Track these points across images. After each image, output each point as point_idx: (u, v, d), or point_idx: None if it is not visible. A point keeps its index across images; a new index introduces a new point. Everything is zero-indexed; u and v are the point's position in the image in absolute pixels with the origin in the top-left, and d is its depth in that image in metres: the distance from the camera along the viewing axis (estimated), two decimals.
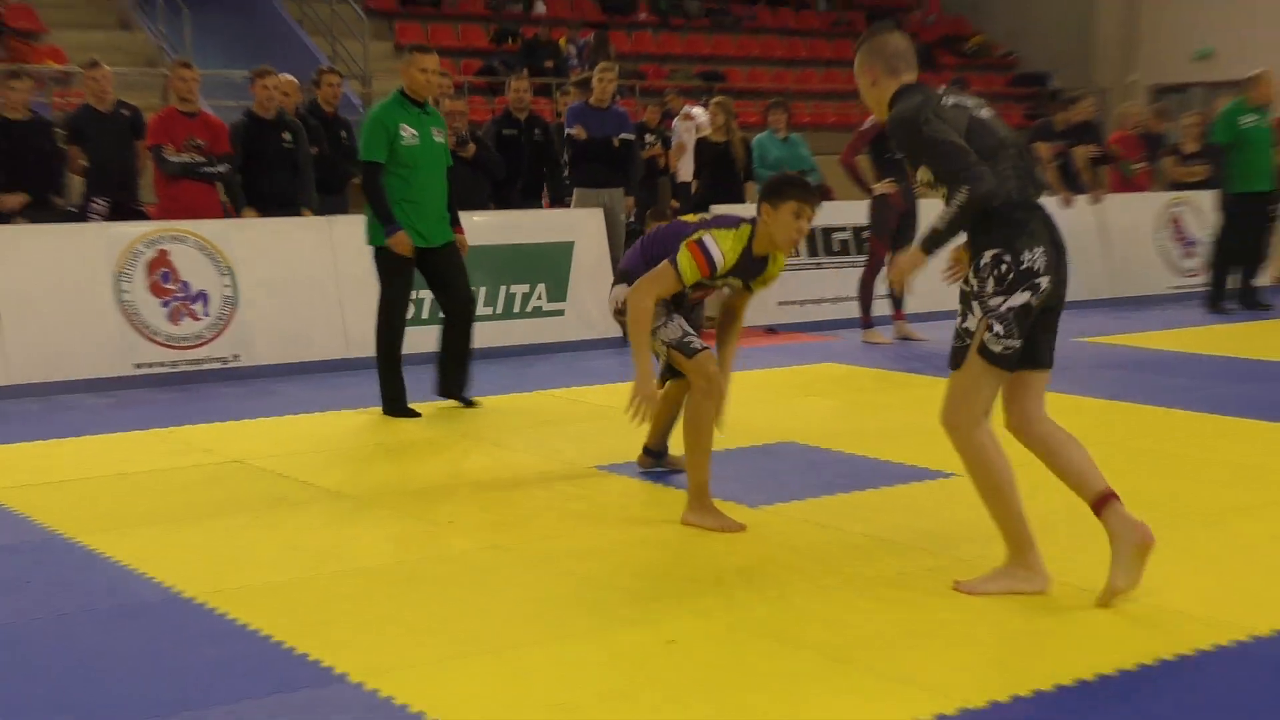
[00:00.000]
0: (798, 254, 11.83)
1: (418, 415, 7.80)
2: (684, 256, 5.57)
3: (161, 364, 9.18)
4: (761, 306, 11.55)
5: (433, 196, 7.85)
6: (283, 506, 5.91)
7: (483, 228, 10.51)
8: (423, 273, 7.98)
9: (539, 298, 10.45)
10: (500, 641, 4.21)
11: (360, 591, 4.71)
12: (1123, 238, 13.45)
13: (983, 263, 4.44)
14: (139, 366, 9.11)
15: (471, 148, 10.60)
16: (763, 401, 8.31)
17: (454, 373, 8.12)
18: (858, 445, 6.95)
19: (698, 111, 13.77)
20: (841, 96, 22.13)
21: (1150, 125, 15.01)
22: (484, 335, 10.18)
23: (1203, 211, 13.55)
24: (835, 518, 5.60)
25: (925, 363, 9.83)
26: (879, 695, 3.79)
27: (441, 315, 8.20)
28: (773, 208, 5.53)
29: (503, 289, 10.37)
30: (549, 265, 10.51)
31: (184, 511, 5.82)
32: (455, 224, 8.05)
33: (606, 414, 7.61)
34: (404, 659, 4.07)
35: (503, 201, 10.96)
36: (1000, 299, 4.40)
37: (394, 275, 7.87)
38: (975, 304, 4.47)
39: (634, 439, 7.15)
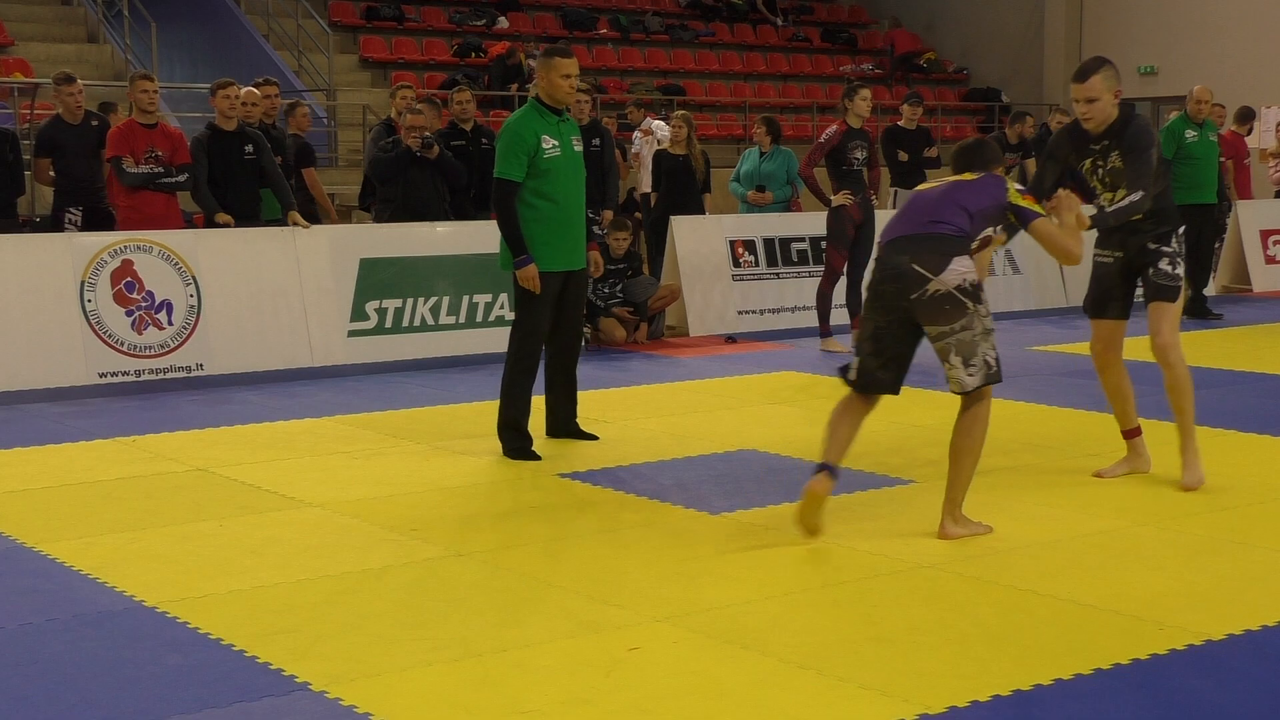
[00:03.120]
0: (755, 263, 11.82)
1: (539, 458, 6.86)
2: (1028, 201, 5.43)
3: (125, 373, 9.05)
4: (720, 315, 11.53)
5: (576, 212, 7.07)
6: (246, 515, 5.82)
7: (445, 238, 10.45)
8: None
9: (501, 307, 10.39)
10: (464, 649, 4.14)
11: (324, 599, 4.64)
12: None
13: (1178, 233, 6.19)
14: (103, 375, 8.98)
15: (436, 149, 10.54)
16: (723, 409, 8.28)
17: (565, 409, 7.32)
18: (817, 452, 6.87)
19: (657, 125, 13.74)
20: (798, 110, 22.17)
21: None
22: (447, 344, 10.14)
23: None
24: (790, 523, 5.53)
25: None
26: (841, 701, 3.75)
27: (545, 347, 7.22)
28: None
29: (465, 298, 10.30)
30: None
31: (147, 520, 5.73)
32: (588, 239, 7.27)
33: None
34: (367, 667, 4.00)
35: (459, 210, 10.90)
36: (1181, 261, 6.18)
37: (534, 299, 6.94)
38: (1177, 259, 6.17)
39: (597, 449, 7.09)
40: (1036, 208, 5.48)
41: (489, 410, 8.18)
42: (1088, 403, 8.07)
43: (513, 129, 6.99)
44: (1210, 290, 13.34)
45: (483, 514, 5.85)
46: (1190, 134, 12.20)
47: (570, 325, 7.23)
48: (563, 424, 7.36)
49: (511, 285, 7.20)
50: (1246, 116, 15.90)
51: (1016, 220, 5.47)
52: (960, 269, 5.24)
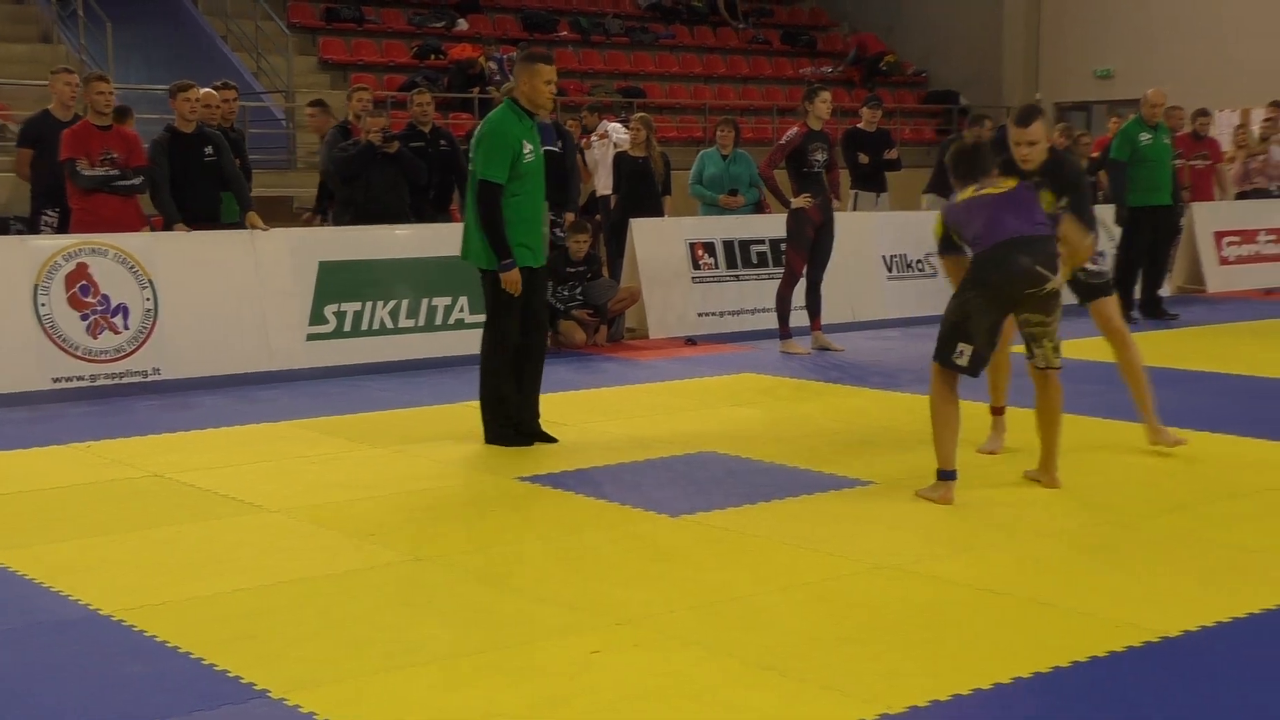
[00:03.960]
0: (715, 265, 11.83)
1: (529, 443, 7.15)
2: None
3: (80, 378, 8.96)
4: (680, 317, 11.53)
5: (541, 211, 7.26)
6: (204, 521, 5.78)
7: (405, 240, 10.41)
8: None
9: (461, 310, 10.36)
10: (427, 653, 4.13)
11: (284, 606, 4.61)
12: None
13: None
14: (57, 381, 8.89)
15: (395, 145, 10.49)
16: (683, 411, 8.28)
17: (528, 409, 7.37)
18: (778, 454, 6.93)
19: (613, 129, 13.72)
20: (757, 112, 22.20)
21: (1055, 142, 15.12)
22: (408, 348, 10.10)
23: (1108, 223, 13.69)
24: (757, 526, 5.57)
25: (843, 372, 9.84)
26: (803, 701, 3.75)
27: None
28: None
29: (425, 302, 10.26)
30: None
31: (103, 526, 5.67)
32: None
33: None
34: (327, 673, 3.98)
35: (418, 212, 10.86)
36: None
37: (508, 303, 7.11)
38: (1097, 257, 6.75)
39: (557, 452, 7.08)
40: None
41: (449, 414, 8.16)
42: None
43: (496, 132, 7.03)
44: (1166, 291, 13.44)
45: (444, 518, 5.83)
46: (1145, 137, 12.30)
47: (538, 322, 7.34)
48: (528, 423, 7.38)
49: (483, 286, 7.27)
50: (1205, 114, 16.03)
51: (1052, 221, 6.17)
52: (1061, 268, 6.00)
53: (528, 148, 7.05)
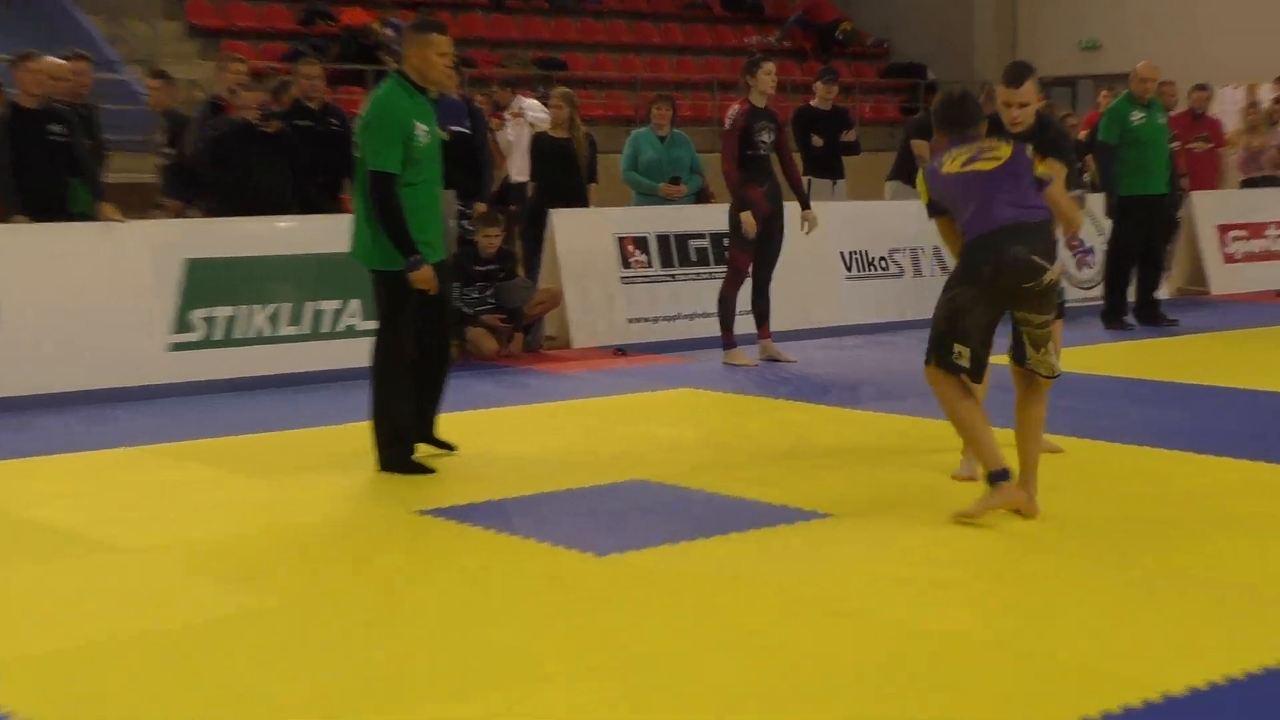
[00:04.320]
0: (648, 263, 11.83)
1: (431, 471, 7.17)
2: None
3: None
4: (607, 324, 11.52)
5: (439, 201, 7.32)
6: (45, 563, 5.69)
7: (286, 235, 10.34)
8: None
9: (352, 315, 10.29)
10: (311, 716, 4.06)
11: (139, 663, 4.54)
12: None
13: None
14: None
15: (276, 123, 10.40)
16: (609, 433, 8.25)
17: (429, 414, 7.49)
18: (719, 483, 6.92)
19: (529, 105, 13.71)
20: (696, 87, 22.28)
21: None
22: (288, 359, 10.01)
23: (1097, 215, 13.82)
24: (696, 566, 5.55)
25: (794, 387, 9.86)
26: None
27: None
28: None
29: (309, 305, 10.18)
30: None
31: None
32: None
33: (437, 452, 7.49)
34: None
35: (304, 201, 10.77)
36: None
37: (403, 306, 7.14)
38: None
39: (463, 480, 7.03)
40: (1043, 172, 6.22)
41: (337, 436, 8.10)
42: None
43: (385, 113, 7.05)
44: (1164, 293, 13.58)
45: (329, 559, 5.77)
46: (1136, 116, 12.42)
47: (439, 327, 7.38)
48: (424, 431, 7.45)
49: (374, 289, 7.27)
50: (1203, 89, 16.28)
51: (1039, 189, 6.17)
52: (1059, 255, 6.03)
53: (421, 129, 7.06)
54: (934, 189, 6.24)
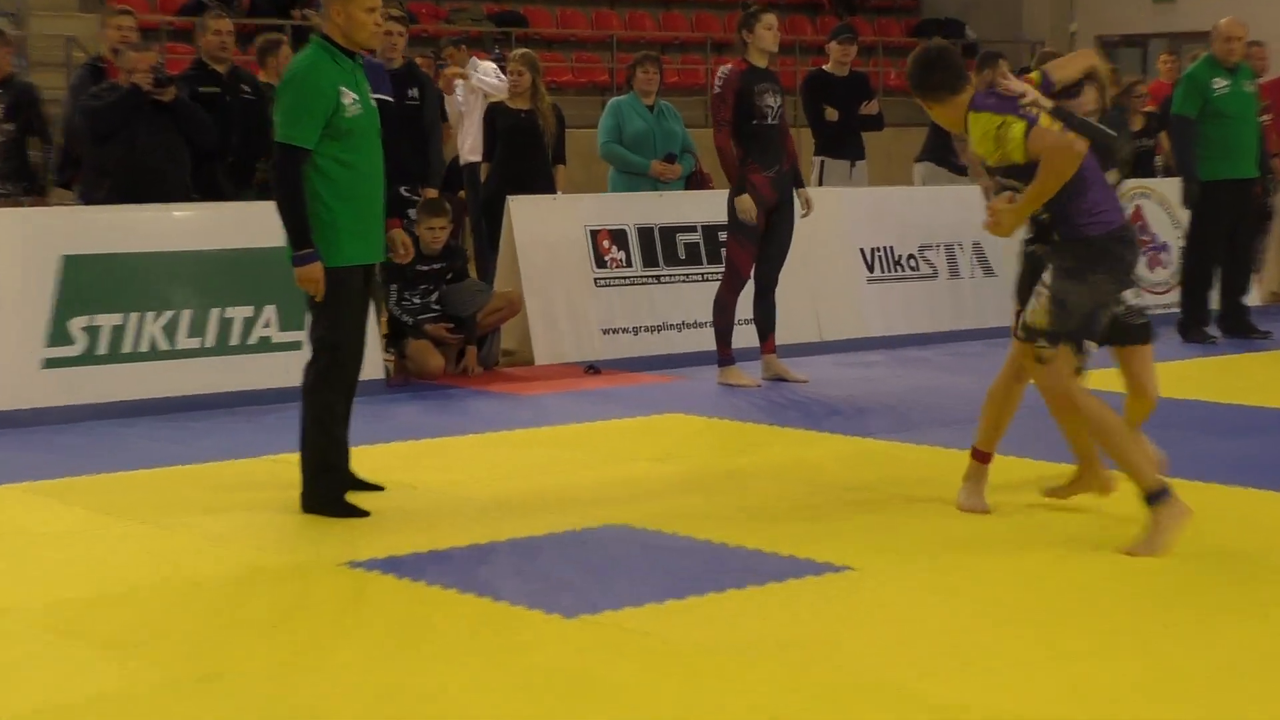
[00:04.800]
0: (628, 262, 11.82)
1: (365, 514, 7.19)
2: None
3: None
4: (578, 335, 11.51)
5: (378, 188, 7.39)
6: None
7: (186, 226, 10.31)
8: None
9: (267, 325, 10.27)
10: None
11: None
12: None
13: None
14: None
15: (172, 90, 10.37)
16: (583, 468, 8.25)
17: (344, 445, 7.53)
18: (713, 529, 6.91)
19: (486, 69, 13.70)
20: (684, 48, 22.37)
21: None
22: (188, 378, 9.98)
23: (1172, 205, 13.87)
24: (687, 630, 5.54)
25: (804, 412, 9.87)
26: None
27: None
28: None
29: (215, 313, 10.16)
30: (281, 278, 10.31)
31: None
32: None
33: (378, 491, 7.48)
34: None
35: (207, 185, 10.75)
36: None
37: (344, 305, 7.22)
38: None
39: (401, 527, 7.01)
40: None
41: (249, 472, 8.08)
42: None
43: (303, 78, 7.15)
44: (1254, 299, 13.62)
45: (238, 622, 5.75)
46: (1219, 84, 12.47)
47: (359, 338, 7.44)
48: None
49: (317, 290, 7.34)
50: None
51: None
52: None
53: (350, 97, 7.14)
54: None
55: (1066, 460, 7.16)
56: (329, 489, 7.26)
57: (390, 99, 10.89)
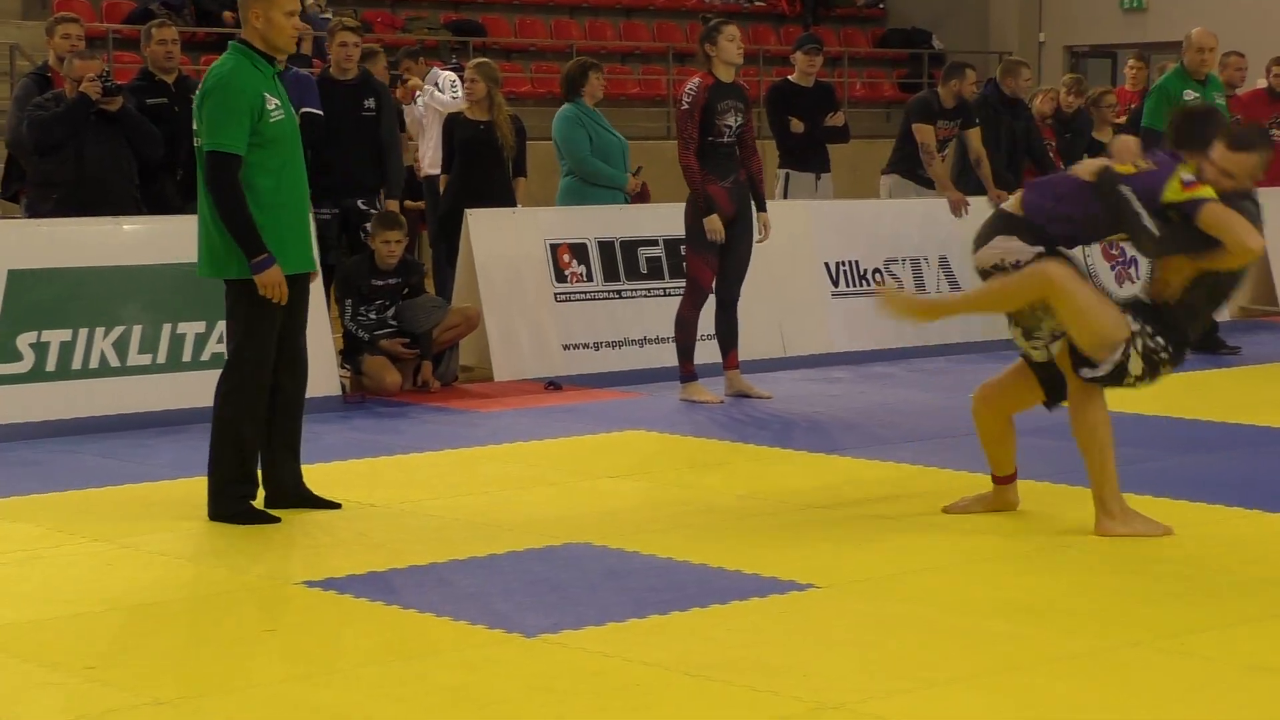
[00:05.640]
0: (588, 276, 11.85)
1: (277, 520, 7.34)
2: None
3: None
4: (539, 351, 11.51)
5: (305, 194, 7.53)
6: None
7: (136, 240, 10.29)
8: None
9: (220, 341, 10.25)
10: None
11: None
12: None
13: None
14: None
15: (119, 100, 10.36)
16: (544, 486, 8.27)
17: (289, 467, 7.61)
18: (675, 546, 6.94)
19: (445, 79, 13.72)
20: (646, 58, 22.36)
21: (1065, 100, 15.48)
22: (142, 395, 9.96)
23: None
24: (650, 650, 5.56)
25: (765, 429, 9.91)
26: None
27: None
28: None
29: (166, 329, 10.15)
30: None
31: None
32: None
33: (335, 509, 7.52)
34: None
35: (156, 199, 10.75)
36: None
37: (265, 315, 7.30)
38: None
39: (358, 545, 7.03)
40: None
41: (201, 490, 8.08)
42: (1059, 473, 8.24)
43: (226, 84, 7.21)
44: (1223, 315, 13.67)
45: (191, 643, 5.75)
46: (1190, 95, 12.56)
47: (295, 348, 7.51)
48: (290, 489, 7.51)
49: (236, 302, 7.38)
50: None
51: None
52: None
53: (273, 103, 7.23)
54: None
55: (1031, 476, 7.25)
56: (236, 497, 7.34)
57: (319, 112, 10.94)
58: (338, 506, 7.59)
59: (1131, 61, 16.31)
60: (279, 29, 7.27)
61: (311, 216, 8.06)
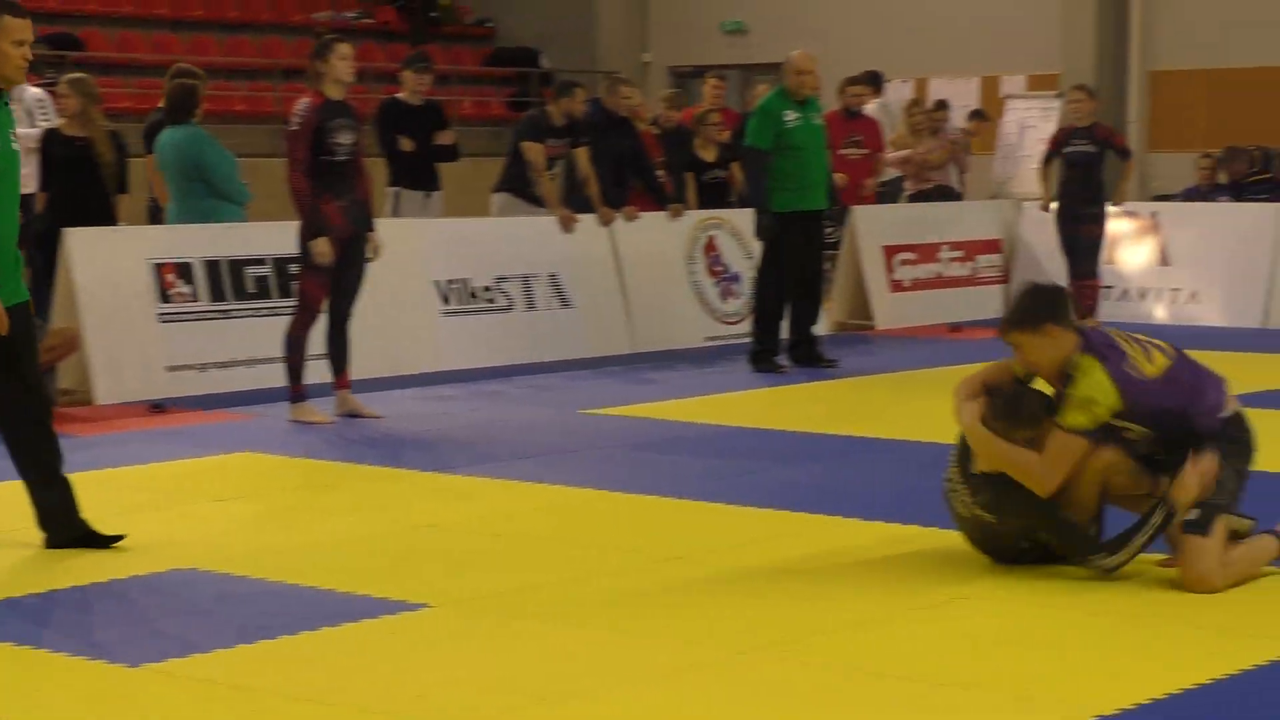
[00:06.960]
0: (194, 295, 11.66)
1: None
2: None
3: None
4: (142, 373, 11.29)
5: (14, 226, 7.41)
6: None
7: None
8: None
9: None
10: None
11: None
12: (646, 272, 13.94)
13: None
14: None
15: None
16: (148, 511, 8.12)
17: (64, 497, 7.49)
18: (288, 570, 6.90)
19: (34, 96, 13.36)
20: (252, 74, 22.11)
21: (664, 115, 15.81)
22: None
23: (744, 236, 14.26)
24: (263, 675, 5.52)
25: (380, 449, 9.88)
26: None
27: None
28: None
29: None
30: None
31: None
32: None
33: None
34: None
35: None
36: None
37: None
38: None
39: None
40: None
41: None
42: (668, 486, 8.38)
43: None
44: (822, 328, 14.05)
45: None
46: (790, 116, 12.87)
47: (23, 383, 7.51)
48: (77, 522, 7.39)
49: None
50: (874, 81, 16.95)
51: None
52: None
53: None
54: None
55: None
56: None
57: None
58: (122, 537, 7.37)
59: (712, 81, 16.60)
60: (6, 58, 7.10)
61: None
